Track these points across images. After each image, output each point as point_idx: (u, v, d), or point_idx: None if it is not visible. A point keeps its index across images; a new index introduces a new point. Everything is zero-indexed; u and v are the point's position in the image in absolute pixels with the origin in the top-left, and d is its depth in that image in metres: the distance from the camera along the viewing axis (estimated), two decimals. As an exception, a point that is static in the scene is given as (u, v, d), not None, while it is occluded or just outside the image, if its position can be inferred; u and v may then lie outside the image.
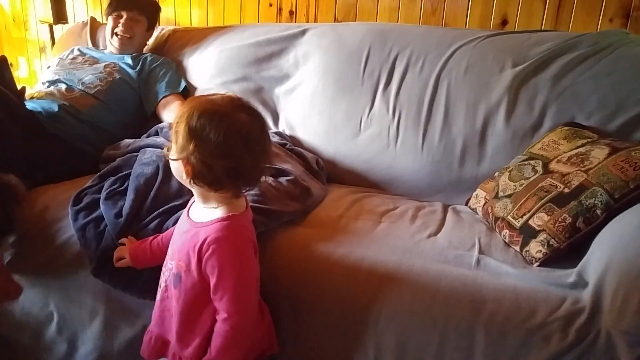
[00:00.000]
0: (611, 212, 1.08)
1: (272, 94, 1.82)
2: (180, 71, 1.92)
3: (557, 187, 1.17)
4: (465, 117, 1.53)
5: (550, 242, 1.10)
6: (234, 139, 0.86)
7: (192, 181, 0.90)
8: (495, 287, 1.02)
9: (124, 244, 1.15)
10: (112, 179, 1.36)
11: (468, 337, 0.98)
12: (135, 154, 1.47)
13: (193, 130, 0.86)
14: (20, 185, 1.35)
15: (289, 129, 1.77)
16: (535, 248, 1.11)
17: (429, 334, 1.00)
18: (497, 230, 1.25)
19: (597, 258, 1.01)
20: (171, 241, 1.02)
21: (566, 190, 1.15)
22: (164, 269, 1.02)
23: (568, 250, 1.11)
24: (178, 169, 0.91)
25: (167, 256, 1.01)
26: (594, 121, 1.41)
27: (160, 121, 1.79)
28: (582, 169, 1.17)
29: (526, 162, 1.33)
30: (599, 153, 1.19)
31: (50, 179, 1.45)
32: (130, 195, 1.27)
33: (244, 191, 0.95)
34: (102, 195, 1.30)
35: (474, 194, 1.44)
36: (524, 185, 1.25)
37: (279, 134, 1.74)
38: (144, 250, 1.11)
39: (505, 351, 0.96)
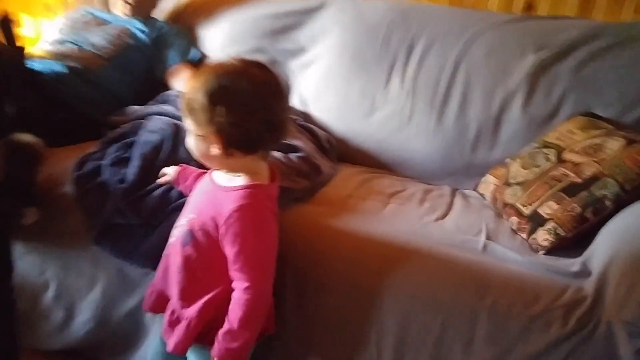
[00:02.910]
0: (620, 204, 1.08)
1: (287, 68, 1.80)
2: (192, 40, 1.90)
3: (568, 176, 1.16)
4: (481, 101, 1.51)
5: (558, 231, 1.10)
6: (261, 90, 0.85)
7: (226, 151, 0.86)
8: (500, 273, 1.03)
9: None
10: (117, 145, 1.34)
11: (470, 322, 0.99)
12: (141, 120, 1.46)
13: (216, 95, 0.84)
14: (40, 143, 1.34)
15: (302, 104, 1.76)
16: (542, 236, 1.11)
17: (432, 318, 1.01)
18: (505, 217, 1.25)
19: (603, 249, 1.02)
20: (191, 196, 1.01)
21: (578, 180, 1.14)
22: (177, 222, 1.00)
23: (574, 240, 1.10)
24: (204, 147, 0.88)
25: (184, 210, 1.00)
26: (612, 113, 1.39)
27: (169, 89, 1.79)
28: (596, 159, 1.16)
29: (539, 150, 1.32)
30: (614, 144, 1.17)
31: (54, 143, 1.38)
32: (135, 162, 1.25)
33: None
34: (106, 161, 1.28)
35: (483, 179, 1.43)
36: (535, 173, 1.25)
37: (295, 111, 1.73)
38: (190, 174, 1.10)
39: (506, 337, 0.97)
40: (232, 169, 0.93)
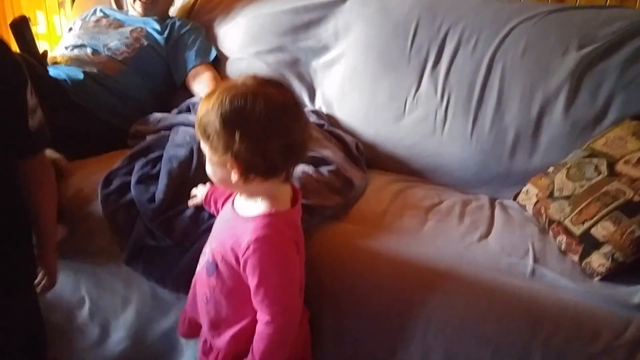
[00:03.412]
0: (687, 228, 0.99)
1: (309, 67, 1.71)
2: (210, 38, 1.82)
3: (625, 194, 1.07)
4: (519, 104, 1.42)
5: (615, 256, 1.01)
6: (278, 112, 0.79)
7: (245, 178, 0.82)
8: (553, 303, 0.96)
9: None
10: (143, 160, 1.30)
11: (523, 357, 0.92)
12: (167, 131, 1.41)
13: (231, 119, 0.78)
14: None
15: (326, 106, 1.68)
16: (598, 261, 1.03)
17: (481, 350, 0.96)
18: (552, 235, 1.17)
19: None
20: (214, 226, 0.97)
21: (636, 198, 1.05)
22: (203, 250, 0.97)
23: (633, 264, 1.02)
24: (222, 173, 0.84)
25: (208, 240, 0.96)
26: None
27: (190, 92, 1.72)
28: (656, 174, 1.07)
29: (587, 160, 1.23)
30: (675, 157, 1.08)
31: (77, 154, 1.39)
32: (163, 180, 1.21)
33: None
34: (133, 178, 1.24)
35: (524, 189, 1.34)
36: (584, 187, 1.16)
37: (315, 112, 1.65)
38: (219, 195, 1.06)
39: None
40: (252, 195, 0.88)
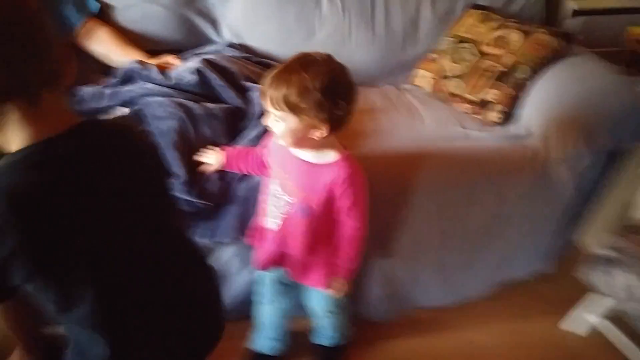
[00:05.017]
0: (534, 81, 1.64)
1: (207, 2, 1.78)
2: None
3: (497, 67, 1.66)
4: (400, 9, 1.84)
5: (503, 110, 1.63)
6: (352, 80, 1.08)
7: (329, 134, 1.07)
8: (483, 150, 1.53)
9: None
10: None
11: (477, 187, 1.50)
12: (130, 107, 1.41)
13: (330, 89, 1.02)
14: None
15: (235, 37, 1.81)
16: (495, 116, 1.64)
17: (460, 196, 1.49)
18: (455, 105, 1.73)
19: (535, 113, 1.59)
20: (283, 179, 1.18)
21: (504, 69, 1.65)
22: (277, 203, 1.20)
23: (512, 114, 1.66)
24: (303, 133, 1.06)
25: (280, 191, 1.19)
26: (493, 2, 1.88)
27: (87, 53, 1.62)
28: (510, 51, 1.67)
29: (461, 46, 1.77)
30: (515, 37, 1.69)
31: None
32: (171, 153, 1.30)
33: None
34: None
35: (415, 74, 1.84)
36: (468, 67, 1.71)
37: (232, 46, 1.77)
38: (244, 155, 1.29)
39: (504, 188, 1.51)
40: (324, 147, 1.15)
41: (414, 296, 1.58)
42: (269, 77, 1.07)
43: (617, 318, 1.51)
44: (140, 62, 1.52)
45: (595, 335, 1.57)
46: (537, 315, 1.62)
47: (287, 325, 1.43)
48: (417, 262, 1.54)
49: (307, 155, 1.15)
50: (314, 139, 1.09)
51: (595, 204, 1.65)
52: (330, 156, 1.14)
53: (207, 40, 1.80)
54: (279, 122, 1.08)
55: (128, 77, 1.50)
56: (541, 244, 1.65)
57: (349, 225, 1.20)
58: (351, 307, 1.45)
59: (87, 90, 1.48)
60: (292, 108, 1.04)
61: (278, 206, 1.21)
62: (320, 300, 1.34)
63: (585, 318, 1.58)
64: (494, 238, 1.57)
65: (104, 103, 1.45)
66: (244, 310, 1.43)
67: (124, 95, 1.45)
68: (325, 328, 1.44)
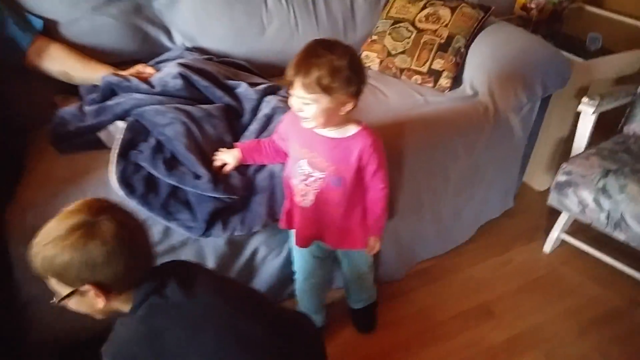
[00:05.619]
0: (468, 47, 1.89)
1: (153, 9, 1.73)
2: (19, 7, 1.52)
3: (435, 40, 1.88)
4: (338, -1, 1.97)
5: (450, 75, 1.85)
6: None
7: (353, 108, 1.17)
8: (442, 113, 1.74)
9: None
10: (147, 153, 1.30)
11: (451, 144, 1.70)
12: (127, 120, 1.36)
13: (358, 65, 1.15)
14: None
15: (189, 41, 1.79)
16: (444, 81, 1.85)
17: (439, 152, 1.68)
18: (406, 77, 1.91)
19: (476, 75, 1.84)
20: (310, 157, 1.25)
21: (442, 41, 1.87)
22: (308, 180, 1.27)
23: (458, 77, 1.89)
24: (333, 109, 1.14)
25: (310, 169, 1.26)
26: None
27: (40, 72, 1.50)
28: (443, 25, 1.90)
29: (397, 26, 1.95)
30: (444, 13, 1.92)
31: None
32: (188, 157, 1.31)
33: None
34: (160, 172, 1.27)
35: (361, 55, 2.00)
36: (410, 43, 1.91)
37: (189, 50, 1.75)
38: (256, 147, 1.34)
39: (465, 142, 1.73)
40: (345, 123, 1.25)
41: (417, 251, 1.74)
42: (293, 66, 1.13)
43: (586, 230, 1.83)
44: (117, 75, 1.45)
45: (572, 249, 1.88)
46: (517, 246, 1.89)
47: (324, 298, 1.49)
48: (416, 219, 1.70)
49: (331, 132, 1.24)
50: (339, 115, 1.17)
51: (535, 143, 1.96)
52: (351, 129, 1.24)
53: (163, 48, 1.75)
54: (309, 105, 1.14)
55: (109, 92, 1.42)
56: (507, 183, 1.92)
57: (376, 186, 1.31)
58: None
59: (66, 110, 1.38)
60: (325, 88, 1.11)
61: (309, 183, 1.27)
62: (356, 261, 1.44)
63: (560, 237, 1.90)
64: (474, 185, 1.79)
65: (90, 121, 1.36)
66: (279, 293, 1.47)
67: (115, 109, 1.38)
68: (357, 292, 1.54)
